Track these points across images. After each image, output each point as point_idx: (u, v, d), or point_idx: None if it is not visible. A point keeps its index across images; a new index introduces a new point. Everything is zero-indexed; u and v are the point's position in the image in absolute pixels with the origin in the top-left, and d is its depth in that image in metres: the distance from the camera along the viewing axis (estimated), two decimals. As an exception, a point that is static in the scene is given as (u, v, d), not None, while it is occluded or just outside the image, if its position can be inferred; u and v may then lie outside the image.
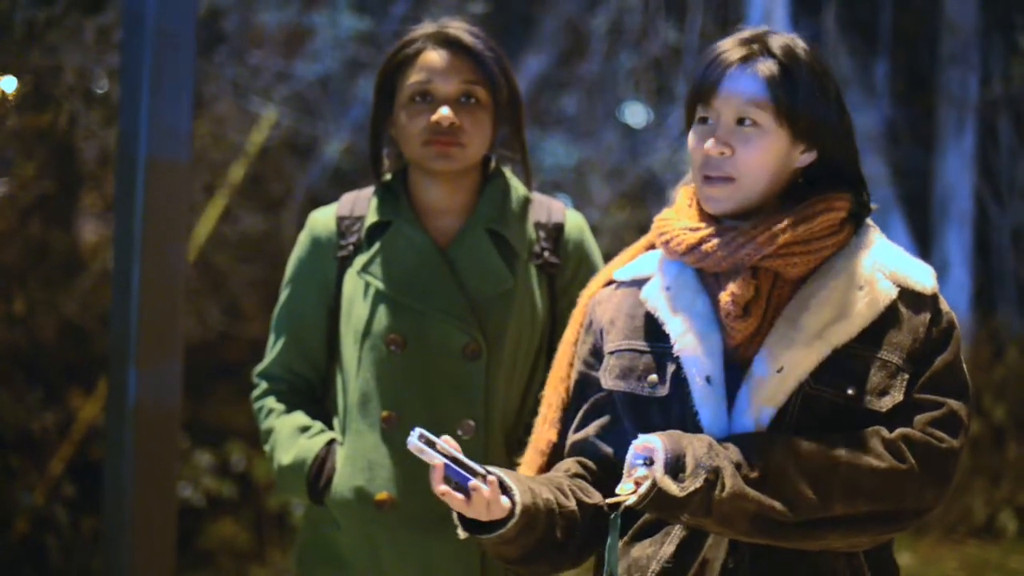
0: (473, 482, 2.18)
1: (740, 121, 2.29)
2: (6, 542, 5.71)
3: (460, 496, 2.18)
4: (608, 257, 3.14)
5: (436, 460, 2.18)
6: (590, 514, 2.35)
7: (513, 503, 2.22)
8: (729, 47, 2.32)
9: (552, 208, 3.10)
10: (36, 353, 6.19)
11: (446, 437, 2.21)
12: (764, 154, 2.29)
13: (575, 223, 3.10)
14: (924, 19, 9.34)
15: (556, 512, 2.29)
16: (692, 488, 2.15)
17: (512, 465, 2.86)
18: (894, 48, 9.31)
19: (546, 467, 2.49)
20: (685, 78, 8.13)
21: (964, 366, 2.33)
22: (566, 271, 3.06)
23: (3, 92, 5.10)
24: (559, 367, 2.55)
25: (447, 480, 2.19)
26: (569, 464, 2.43)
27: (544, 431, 2.52)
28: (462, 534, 2.26)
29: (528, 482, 2.29)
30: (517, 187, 3.08)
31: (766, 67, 2.29)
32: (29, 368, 6.09)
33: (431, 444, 2.19)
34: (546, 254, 3.05)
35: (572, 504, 2.32)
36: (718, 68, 2.30)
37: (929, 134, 9.24)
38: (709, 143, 2.30)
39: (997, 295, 9.14)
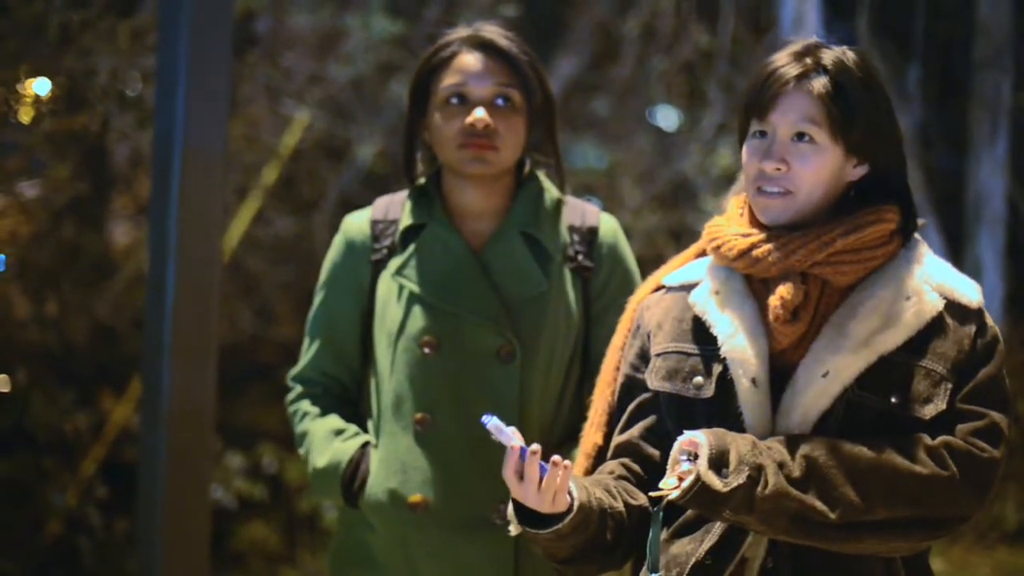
0: (548, 464, 2.19)
1: (796, 136, 2.31)
2: (39, 543, 5.73)
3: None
4: (640, 261, 3.15)
5: (513, 442, 2.20)
6: (636, 516, 2.36)
7: (572, 498, 2.24)
8: (784, 62, 2.34)
9: (586, 211, 3.10)
10: (68, 354, 6.21)
11: (512, 428, 2.22)
12: (819, 170, 2.31)
13: (609, 226, 3.09)
14: (957, 23, 9.30)
15: (607, 512, 2.31)
16: (735, 484, 2.17)
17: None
18: (927, 52, 9.26)
19: (591, 470, 2.51)
20: (717, 82, 8.12)
21: (1007, 380, 2.34)
22: (600, 274, 3.05)
23: (37, 94, 5.12)
24: (606, 372, 2.56)
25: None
26: (613, 466, 2.44)
27: (591, 434, 2.55)
28: (515, 529, 2.28)
29: (581, 481, 2.32)
30: (551, 190, 3.08)
31: (821, 84, 2.31)
32: (61, 369, 6.12)
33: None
34: (580, 257, 3.05)
35: (620, 505, 2.34)
36: (774, 85, 2.32)
37: (962, 138, 9.20)
38: (766, 162, 2.32)
39: (1030, 299, 9.09)
